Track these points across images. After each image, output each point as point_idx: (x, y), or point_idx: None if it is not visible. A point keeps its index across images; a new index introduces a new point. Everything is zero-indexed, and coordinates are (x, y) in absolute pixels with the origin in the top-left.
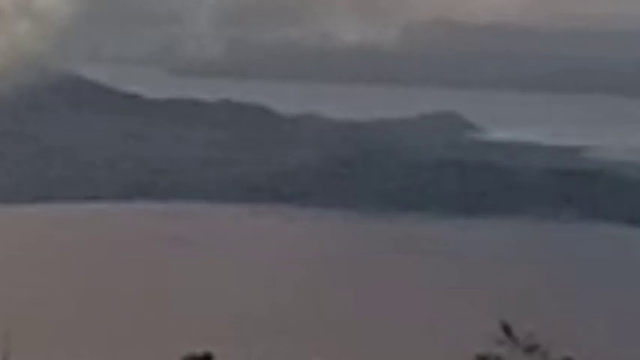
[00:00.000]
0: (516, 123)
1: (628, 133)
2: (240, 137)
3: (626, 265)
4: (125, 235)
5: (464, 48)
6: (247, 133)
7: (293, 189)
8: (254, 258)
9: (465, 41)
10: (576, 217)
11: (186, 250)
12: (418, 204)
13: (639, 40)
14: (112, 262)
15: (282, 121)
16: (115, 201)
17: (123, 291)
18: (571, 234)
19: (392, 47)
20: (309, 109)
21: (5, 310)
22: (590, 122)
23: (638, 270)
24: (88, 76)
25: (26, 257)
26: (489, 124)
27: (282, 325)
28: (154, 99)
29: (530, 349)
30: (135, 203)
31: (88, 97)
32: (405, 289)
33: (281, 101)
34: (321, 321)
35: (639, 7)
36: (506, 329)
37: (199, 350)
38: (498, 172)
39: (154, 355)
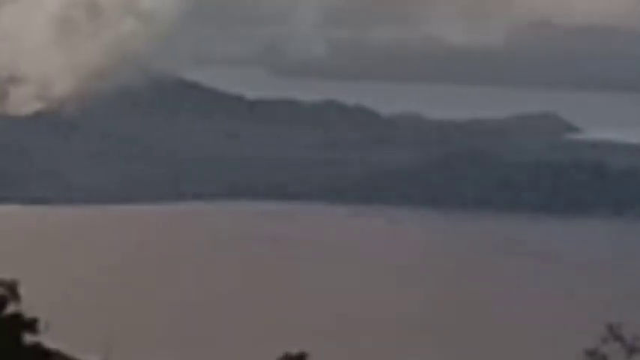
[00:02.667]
0: (615, 124)
1: None
2: (341, 138)
3: None
4: (227, 234)
5: (565, 49)
6: (348, 133)
7: (393, 189)
8: (356, 258)
9: (565, 42)
10: None
11: (289, 250)
12: (518, 204)
13: None
14: (215, 261)
15: (383, 121)
16: (216, 200)
17: (226, 290)
18: None
19: (494, 48)
20: (410, 110)
21: (106, 310)
22: None
23: None
24: (191, 77)
25: (131, 256)
26: (588, 125)
27: (386, 324)
28: (256, 100)
29: (634, 350)
30: (236, 203)
31: (190, 98)
32: (511, 290)
33: (383, 102)
34: (426, 321)
35: None
36: (612, 329)
37: (298, 349)
38: (597, 172)
39: (260, 354)
